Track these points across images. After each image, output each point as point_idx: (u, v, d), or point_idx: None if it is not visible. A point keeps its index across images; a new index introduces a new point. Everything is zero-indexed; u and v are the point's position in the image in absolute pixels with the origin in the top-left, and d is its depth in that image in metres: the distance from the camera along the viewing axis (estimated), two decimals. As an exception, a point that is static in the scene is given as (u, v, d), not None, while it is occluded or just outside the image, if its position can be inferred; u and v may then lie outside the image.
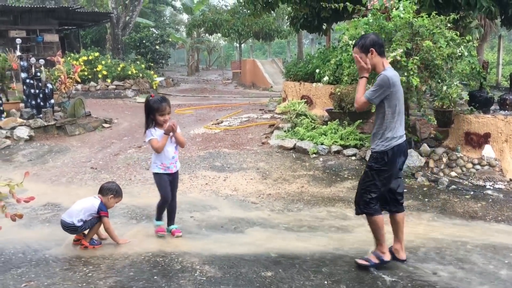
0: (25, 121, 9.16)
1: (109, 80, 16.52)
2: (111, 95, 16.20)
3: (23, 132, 8.78)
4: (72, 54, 17.57)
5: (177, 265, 3.70)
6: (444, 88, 5.97)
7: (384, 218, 3.60)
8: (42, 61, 10.05)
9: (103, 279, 3.48)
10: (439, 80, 6.03)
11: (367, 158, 5.82)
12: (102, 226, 4.13)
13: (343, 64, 6.43)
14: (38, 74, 9.70)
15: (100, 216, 4.06)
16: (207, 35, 29.53)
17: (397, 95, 3.49)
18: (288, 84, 11.44)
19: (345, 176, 6.38)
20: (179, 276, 3.51)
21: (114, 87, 16.47)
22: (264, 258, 3.84)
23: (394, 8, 6.12)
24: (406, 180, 6.06)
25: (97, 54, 17.31)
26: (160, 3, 35.60)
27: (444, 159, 6.38)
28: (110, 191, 4.15)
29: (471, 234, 4.38)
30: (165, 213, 4.33)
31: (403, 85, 5.69)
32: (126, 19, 25.12)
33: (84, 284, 3.40)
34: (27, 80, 9.63)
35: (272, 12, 12.96)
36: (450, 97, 6.09)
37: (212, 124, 10.38)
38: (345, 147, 7.30)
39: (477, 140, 6.39)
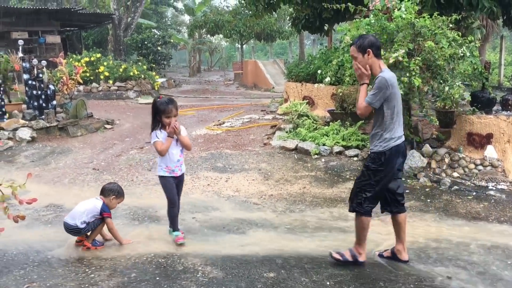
0: (27, 122, 9.17)
1: (111, 81, 16.53)
2: (113, 96, 16.21)
3: (25, 133, 8.79)
4: (74, 55, 17.59)
5: (180, 266, 3.70)
6: (446, 88, 5.96)
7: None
8: (44, 63, 10.09)
9: (105, 280, 3.48)
10: (441, 81, 6.03)
11: (369, 158, 5.81)
12: (105, 227, 4.14)
13: (345, 64, 6.42)
14: (40, 75, 9.73)
15: (103, 217, 4.07)
16: (208, 36, 29.51)
17: (395, 96, 3.51)
18: (290, 85, 11.42)
19: (347, 177, 6.37)
20: (181, 277, 3.52)
21: (116, 88, 16.48)
22: (267, 259, 3.83)
23: (396, 9, 6.11)
24: (408, 180, 6.06)
25: (99, 55, 17.33)
26: (162, 4, 35.67)
27: (446, 160, 6.37)
28: (112, 192, 4.16)
29: (474, 235, 4.37)
30: (166, 216, 4.28)
31: (405, 86, 5.73)
32: (128, 20, 25.15)
33: (87, 285, 3.40)
34: (29, 82, 9.65)
35: (274, 13, 12.95)
36: (452, 97, 6.08)
37: (214, 125, 10.39)
38: (347, 148, 7.29)
39: (479, 141, 6.38)
